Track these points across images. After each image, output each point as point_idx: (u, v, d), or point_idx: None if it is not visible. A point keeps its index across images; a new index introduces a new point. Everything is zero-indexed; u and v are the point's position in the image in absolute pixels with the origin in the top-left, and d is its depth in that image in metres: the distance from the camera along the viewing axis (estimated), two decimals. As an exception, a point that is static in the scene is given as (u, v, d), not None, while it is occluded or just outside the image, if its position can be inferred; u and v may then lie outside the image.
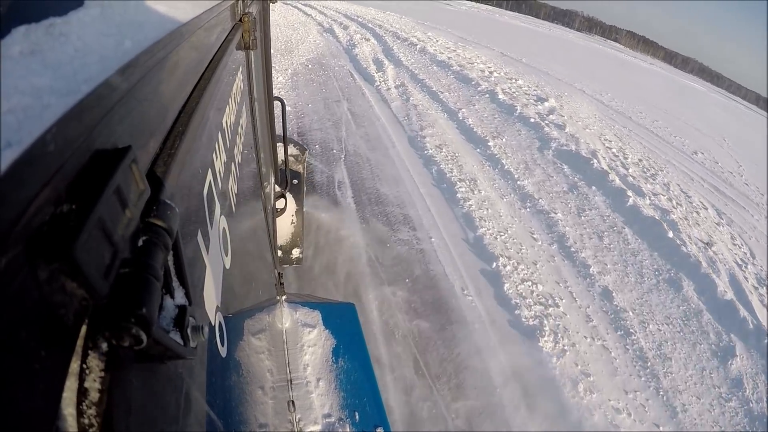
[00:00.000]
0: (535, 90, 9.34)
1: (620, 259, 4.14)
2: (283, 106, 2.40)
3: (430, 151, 5.59)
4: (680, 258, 4.26)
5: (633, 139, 8.24)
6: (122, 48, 0.30)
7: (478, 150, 5.93)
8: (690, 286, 3.94)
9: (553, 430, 2.50)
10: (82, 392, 0.21)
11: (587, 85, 12.69)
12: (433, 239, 3.84)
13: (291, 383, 1.45)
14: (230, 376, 0.69)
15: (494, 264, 3.63)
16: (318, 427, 1.39)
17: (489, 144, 6.08)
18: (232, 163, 0.80)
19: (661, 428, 2.72)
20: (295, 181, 3.14)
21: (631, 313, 3.49)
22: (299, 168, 3.37)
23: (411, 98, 7.61)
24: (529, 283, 3.51)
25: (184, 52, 0.45)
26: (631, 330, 3.34)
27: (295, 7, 18.32)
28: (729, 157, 10.17)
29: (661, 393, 2.94)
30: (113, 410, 0.23)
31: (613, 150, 6.93)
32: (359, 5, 21.04)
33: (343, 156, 5.17)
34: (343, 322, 1.71)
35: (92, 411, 0.22)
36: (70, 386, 0.21)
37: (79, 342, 0.21)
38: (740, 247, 5.14)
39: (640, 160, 6.92)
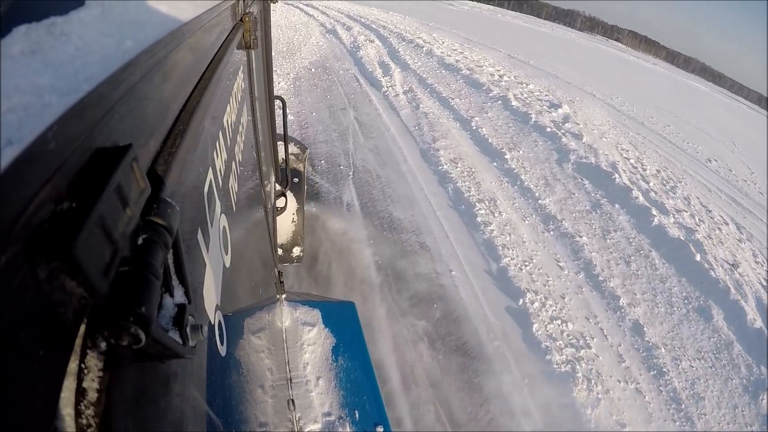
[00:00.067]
0: (546, 95, 9.17)
1: (649, 287, 3.96)
2: (284, 104, 2.41)
3: (445, 167, 5.24)
4: (709, 284, 4.11)
5: (648, 147, 8.06)
6: (123, 47, 0.30)
7: (495, 164, 5.65)
8: (720, 314, 3.80)
9: None
10: (80, 392, 0.21)
11: (596, 88, 12.54)
12: (453, 272, 3.54)
13: (291, 382, 1.45)
14: (230, 375, 0.70)
15: (521, 300, 3.38)
16: (318, 426, 1.39)
17: (506, 157, 5.79)
18: (233, 162, 0.80)
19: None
20: (296, 180, 3.14)
21: (663, 349, 3.33)
22: (300, 166, 3.37)
23: (421, 105, 7.30)
24: (559, 321, 3.28)
25: (184, 52, 0.45)
26: (664, 369, 3.19)
27: (296, 7, 18.21)
28: (741, 163, 10.05)
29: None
30: (111, 410, 0.23)
31: (631, 161, 6.73)
32: (361, 5, 20.97)
33: (351, 173, 4.82)
34: (342, 321, 1.71)
35: (90, 411, 0.22)
36: (69, 386, 0.21)
37: (78, 341, 0.21)
38: (762, 265, 5.00)
39: (659, 171, 6.74)
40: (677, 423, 2.89)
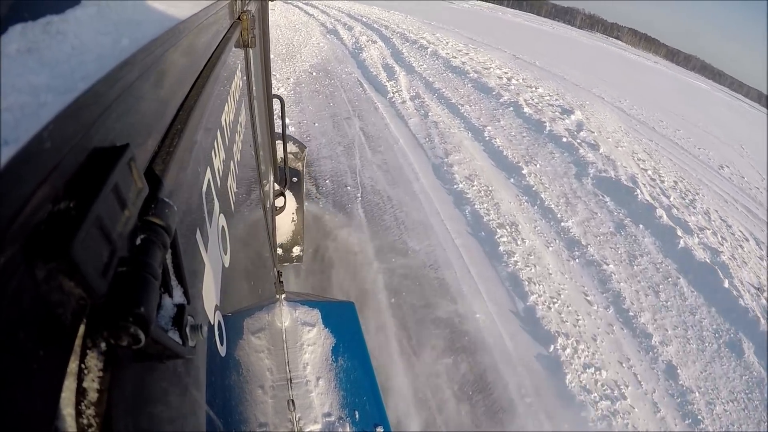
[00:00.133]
0: (557, 100, 8.97)
1: (680, 321, 3.80)
2: (283, 103, 2.40)
3: (460, 185, 4.91)
4: (737, 313, 4.00)
5: (662, 156, 7.93)
6: (119, 46, 0.30)
7: (512, 180, 5.36)
8: (750, 348, 3.69)
9: None
10: (80, 392, 0.21)
11: (604, 90, 12.43)
12: (478, 315, 3.23)
13: (291, 382, 1.45)
14: (230, 375, 0.69)
15: (551, 347, 3.16)
16: (318, 426, 1.39)
17: (523, 172, 5.51)
18: (231, 161, 0.80)
19: None
20: (295, 179, 3.14)
21: (696, 393, 3.22)
22: (299, 166, 3.36)
23: (430, 113, 6.98)
24: (592, 370, 3.09)
25: (182, 50, 0.45)
26: (699, 416, 3.07)
27: (296, 6, 18.04)
28: (751, 168, 9.96)
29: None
30: (112, 410, 0.23)
31: (649, 172, 6.62)
32: (362, 4, 20.83)
33: (359, 195, 4.43)
34: (342, 321, 1.72)
35: (91, 411, 0.22)
36: (69, 386, 0.21)
37: (78, 341, 0.21)
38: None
39: (676, 183, 6.63)
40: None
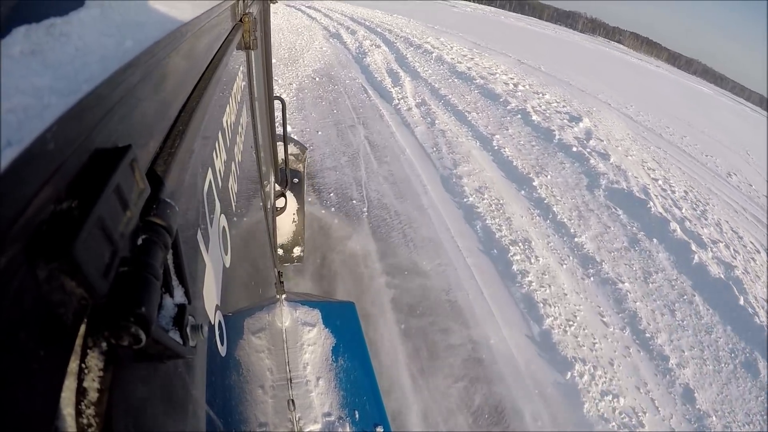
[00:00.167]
0: (564, 106, 8.88)
1: (696, 341, 3.73)
2: (284, 105, 2.41)
3: (470, 199, 4.76)
4: (753, 332, 3.93)
5: (671, 164, 7.85)
6: (123, 48, 0.30)
7: (523, 192, 5.23)
8: (765, 367, 3.65)
9: None
10: (81, 392, 0.21)
11: (610, 96, 12.37)
12: (492, 341, 3.12)
13: (291, 382, 1.45)
14: (230, 375, 0.70)
15: (569, 374, 3.07)
16: (318, 426, 1.39)
17: (534, 184, 5.37)
18: (233, 162, 0.80)
19: None
20: (296, 180, 3.14)
21: (713, 416, 3.18)
22: (299, 167, 3.37)
23: (436, 121, 6.81)
24: (610, 397, 3.02)
25: (184, 52, 0.45)
26: None
27: (298, 9, 18.03)
28: (758, 175, 9.90)
29: None
30: (112, 410, 0.23)
31: (660, 182, 6.56)
32: (364, 8, 20.84)
33: (365, 209, 4.26)
34: (342, 321, 1.72)
35: (91, 411, 0.22)
36: (69, 386, 0.21)
37: (78, 341, 0.21)
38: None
39: (687, 193, 6.56)
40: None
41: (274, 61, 1.87)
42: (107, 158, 0.23)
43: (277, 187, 2.67)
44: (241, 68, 1.01)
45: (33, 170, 0.17)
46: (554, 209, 4.94)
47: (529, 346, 3.19)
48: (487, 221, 4.43)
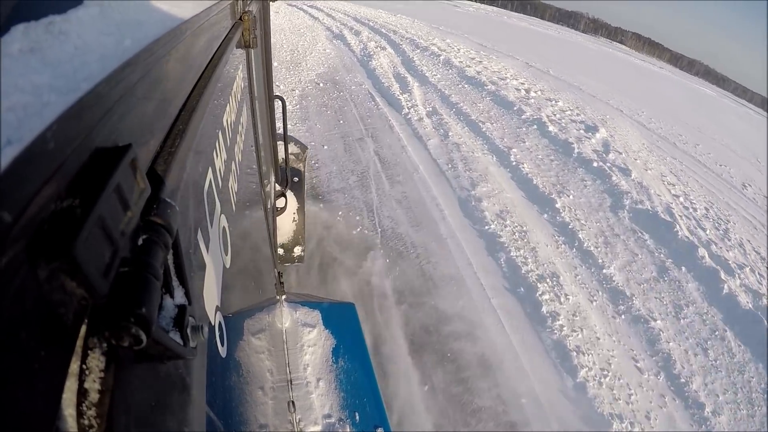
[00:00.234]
0: (579, 115, 8.71)
1: (730, 384, 3.56)
2: (284, 104, 2.41)
3: (492, 226, 4.40)
4: None
5: (689, 177, 7.68)
6: (122, 46, 0.30)
7: (546, 216, 4.92)
8: None
9: None
10: (81, 393, 0.21)
11: (621, 101, 12.23)
12: (523, 400, 2.79)
13: (291, 383, 1.45)
14: (230, 376, 0.69)
15: None
16: (318, 428, 1.39)
17: (557, 206, 5.07)
18: (233, 162, 0.80)
19: None
20: (296, 179, 3.14)
21: None
22: (300, 166, 3.37)
23: (450, 133, 6.47)
24: None
25: (184, 51, 0.45)
26: None
27: (300, 9, 17.94)
28: None
29: None
30: (113, 410, 0.23)
31: (681, 199, 6.38)
32: (368, 7, 20.77)
33: (378, 240, 3.89)
34: (343, 322, 1.71)
35: (92, 411, 0.21)
36: (70, 387, 0.21)
37: (79, 342, 0.21)
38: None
39: (708, 210, 6.40)
40: None
41: (275, 64, 1.85)
42: (107, 157, 0.23)
43: (278, 187, 2.66)
44: (241, 67, 1.00)
45: (33, 169, 0.17)
46: (579, 236, 4.67)
47: (564, 404, 2.91)
48: (512, 253, 4.11)
